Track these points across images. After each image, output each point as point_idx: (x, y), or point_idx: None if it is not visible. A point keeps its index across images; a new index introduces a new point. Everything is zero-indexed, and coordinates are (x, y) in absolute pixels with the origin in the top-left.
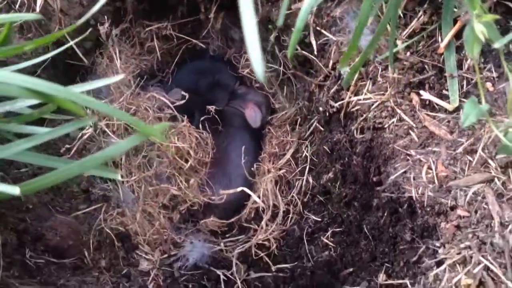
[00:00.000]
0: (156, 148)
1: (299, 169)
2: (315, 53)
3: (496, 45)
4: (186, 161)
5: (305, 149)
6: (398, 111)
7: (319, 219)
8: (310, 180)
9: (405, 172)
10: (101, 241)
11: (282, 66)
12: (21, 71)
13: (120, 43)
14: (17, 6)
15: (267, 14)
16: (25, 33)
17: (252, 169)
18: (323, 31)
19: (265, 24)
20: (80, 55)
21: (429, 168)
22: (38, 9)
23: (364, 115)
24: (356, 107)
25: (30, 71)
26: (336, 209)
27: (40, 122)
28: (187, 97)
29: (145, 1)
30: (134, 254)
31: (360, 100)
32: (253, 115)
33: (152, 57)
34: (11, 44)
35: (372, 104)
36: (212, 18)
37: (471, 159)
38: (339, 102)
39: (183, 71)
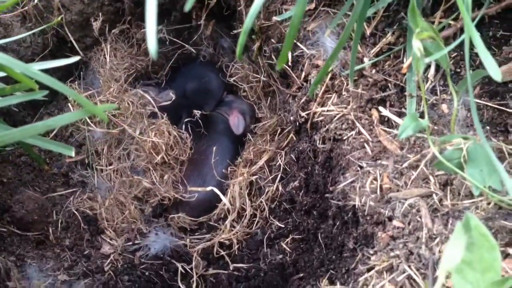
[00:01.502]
0: (135, 142)
1: (271, 176)
2: (290, 64)
3: (426, 60)
4: (162, 157)
5: (280, 158)
6: (358, 124)
7: (283, 226)
8: (280, 188)
9: (353, 181)
10: (69, 222)
11: (266, 77)
12: (18, 58)
13: (117, 42)
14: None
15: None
16: (27, 23)
17: (224, 171)
18: (298, 44)
19: (249, 35)
20: (78, 49)
21: (375, 179)
22: (37, 0)
23: (327, 126)
24: (321, 118)
25: (28, 59)
26: (298, 217)
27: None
28: (173, 98)
29: (142, 4)
30: (99, 237)
31: (324, 111)
32: (236, 122)
33: (148, 58)
34: (12, 32)
35: (335, 116)
36: (202, 25)
37: (414, 173)
38: (307, 112)
39: (175, 75)
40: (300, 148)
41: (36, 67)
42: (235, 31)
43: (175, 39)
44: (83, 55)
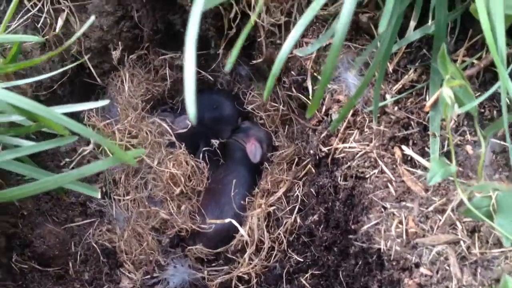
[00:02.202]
0: (153, 171)
1: (289, 207)
2: (311, 97)
3: (458, 110)
4: (180, 187)
5: (297, 189)
6: (380, 163)
7: (301, 260)
8: (298, 220)
9: (377, 223)
10: (88, 255)
11: (284, 106)
12: (38, 84)
13: (135, 67)
14: (39, 24)
15: (270, 56)
16: (47, 50)
17: (243, 202)
18: (319, 77)
19: (269, 64)
20: (95, 75)
21: (400, 222)
22: (58, 29)
23: (349, 163)
24: (342, 154)
25: (47, 86)
26: (318, 252)
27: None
28: (189, 125)
29: (161, 32)
30: (117, 271)
31: (346, 148)
32: (253, 150)
33: (165, 84)
34: (31, 59)
35: (357, 153)
36: (221, 53)
37: (440, 218)
38: (328, 147)
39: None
40: (321, 183)
41: (64, 110)
42: (254, 61)
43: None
44: (101, 82)
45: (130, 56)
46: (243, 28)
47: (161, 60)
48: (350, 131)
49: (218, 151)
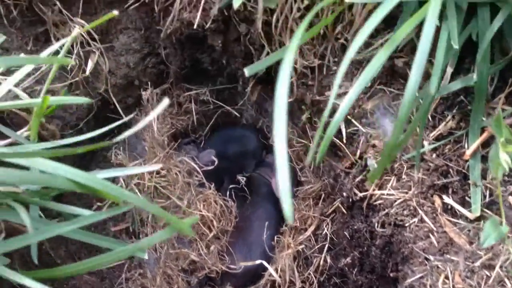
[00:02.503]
0: (182, 212)
1: (318, 246)
2: (344, 140)
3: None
4: (209, 227)
5: (325, 226)
6: (420, 212)
7: None
8: (328, 259)
9: (422, 277)
10: None
11: (311, 143)
12: (64, 124)
13: (158, 101)
14: (68, 67)
15: (301, 96)
16: (73, 90)
17: (269, 239)
18: (353, 120)
19: (299, 104)
20: (121, 111)
21: (446, 277)
22: (88, 71)
23: (386, 210)
24: (379, 201)
25: (73, 124)
26: None
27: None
28: (215, 160)
29: (187, 68)
30: None
31: (383, 194)
32: None
33: (188, 117)
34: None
35: (395, 201)
36: (249, 91)
37: (488, 274)
38: (363, 193)
39: (215, 136)
40: (355, 226)
41: (110, 174)
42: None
43: (217, 101)
44: (125, 117)
45: (155, 90)
46: (275, 68)
47: (186, 97)
48: (387, 177)
49: (245, 187)
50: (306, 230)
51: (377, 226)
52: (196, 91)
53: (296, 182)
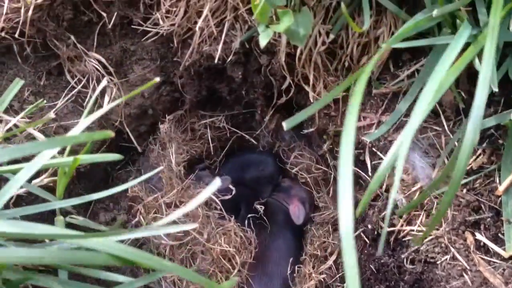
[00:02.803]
0: (202, 244)
1: (339, 274)
2: (369, 173)
3: None
4: (229, 260)
5: None
6: (452, 249)
7: None
8: None
9: None
10: None
11: (330, 169)
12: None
13: (172, 129)
14: (85, 103)
15: (323, 127)
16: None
17: (290, 270)
18: (378, 153)
19: (320, 133)
20: (134, 141)
21: None
22: (105, 106)
23: (416, 246)
24: (408, 237)
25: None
26: None
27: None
28: (232, 189)
29: (203, 97)
30: None
31: (413, 230)
32: (297, 212)
33: (202, 143)
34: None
35: (426, 238)
36: (267, 120)
37: None
38: (391, 229)
39: (231, 161)
40: (382, 261)
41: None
42: (305, 131)
43: (232, 127)
44: (139, 147)
45: (168, 117)
46: (297, 98)
47: (201, 125)
48: (416, 212)
49: (263, 216)
50: (326, 257)
51: (406, 262)
52: (212, 119)
53: (313, 207)
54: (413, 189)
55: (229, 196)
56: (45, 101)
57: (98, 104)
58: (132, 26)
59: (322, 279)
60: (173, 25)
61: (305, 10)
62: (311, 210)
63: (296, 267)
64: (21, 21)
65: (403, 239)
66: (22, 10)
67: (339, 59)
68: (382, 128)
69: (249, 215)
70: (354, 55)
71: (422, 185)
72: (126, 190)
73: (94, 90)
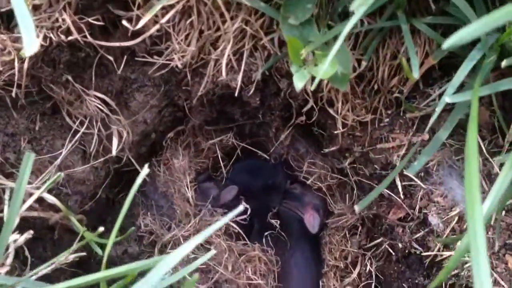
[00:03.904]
0: (229, 272)
1: (362, 284)
2: (401, 196)
3: None
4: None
5: (368, 261)
6: (494, 274)
7: None
8: None
9: None
10: None
11: (346, 177)
12: (83, 198)
13: (176, 147)
14: (85, 142)
15: (347, 146)
16: (87, 158)
17: (313, 285)
18: (410, 175)
19: (342, 152)
20: (137, 166)
21: None
22: (114, 151)
23: (456, 271)
24: (447, 262)
25: (91, 195)
26: None
27: None
28: (244, 204)
29: (212, 118)
30: None
31: (453, 255)
32: (312, 221)
33: (207, 157)
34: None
35: (466, 262)
36: (282, 139)
37: None
38: (428, 253)
39: (236, 169)
40: (416, 281)
41: None
42: (326, 150)
43: (242, 144)
44: (143, 173)
45: (168, 135)
46: (318, 118)
47: (208, 145)
48: (453, 235)
49: (280, 231)
50: (347, 266)
51: (446, 286)
52: (220, 137)
53: (327, 212)
54: (451, 214)
55: (246, 221)
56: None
57: (100, 142)
58: (136, 59)
59: None
60: (183, 56)
61: (342, 46)
62: (325, 216)
63: (320, 281)
64: (16, 73)
65: (441, 263)
66: (16, 64)
67: (367, 81)
68: (422, 159)
69: (266, 233)
70: (384, 77)
71: (460, 210)
72: (135, 220)
73: (99, 130)
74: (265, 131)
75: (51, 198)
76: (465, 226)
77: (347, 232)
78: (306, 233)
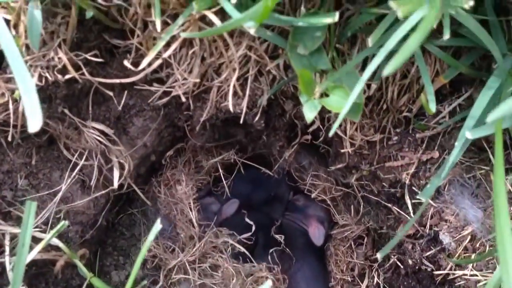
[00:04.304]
0: None
1: None
2: (411, 214)
3: None
4: None
5: (375, 273)
6: None
7: None
8: None
9: None
10: None
11: (353, 191)
12: (84, 227)
13: (175, 165)
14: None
15: (354, 164)
16: (88, 186)
17: None
18: (419, 192)
19: (349, 169)
20: (136, 189)
21: None
22: (116, 184)
23: None
24: (460, 282)
25: (92, 224)
26: None
27: None
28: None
29: (211, 139)
30: None
31: (465, 275)
32: (317, 234)
33: (208, 174)
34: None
35: (478, 281)
36: (286, 156)
37: None
38: (440, 272)
39: (237, 182)
40: None
41: None
42: (333, 167)
43: (245, 161)
44: (142, 196)
45: (168, 153)
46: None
47: (209, 164)
48: (465, 254)
49: (284, 246)
50: (354, 278)
51: None
52: (222, 156)
53: (332, 224)
54: (463, 233)
55: (251, 241)
56: (65, 222)
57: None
58: (135, 87)
59: None
60: (184, 84)
61: (352, 72)
62: (329, 227)
63: None
64: (11, 115)
65: (454, 281)
66: (11, 106)
67: (375, 101)
68: (434, 182)
69: (271, 250)
70: (394, 97)
71: (472, 229)
72: (136, 242)
73: (99, 161)
74: (268, 148)
75: (57, 243)
76: (478, 245)
77: (352, 243)
78: (311, 246)
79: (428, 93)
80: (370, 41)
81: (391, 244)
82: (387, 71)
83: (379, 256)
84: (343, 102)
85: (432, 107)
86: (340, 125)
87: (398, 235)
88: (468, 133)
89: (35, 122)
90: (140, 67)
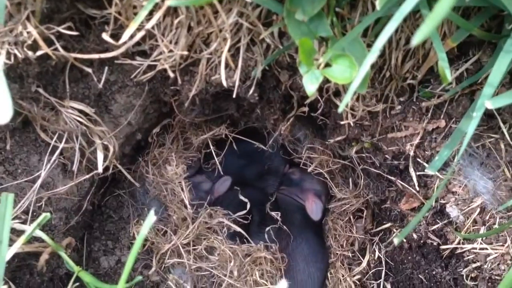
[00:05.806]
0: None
1: (372, 271)
2: (417, 188)
3: None
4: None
5: (375, 246)
6: None
7: None
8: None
9: None
10: None
11: (351, 163)
12: (68, 213)
13: (162, 142)
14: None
15: (354, 136)
16: (69, 170)
17: (322, 276)
18: (424, 163)
19: (349, 141)
20: (124, 172)
21: None
22: (101, 168)
23: (478, 263)
24: (470, 256)
25: (77, 208)
26: None
27: None
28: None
29: (201, 114)
30: None
31: (475, 249)
32: (314, 208)
33: (198, 150)
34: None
35: (489, 255)
36: (282, 130)
37: None
38: (446, 246)
39: (228, 157)
40: (434, 272)
41: None
42: (331, 140)
43: (237, 136)
44: (131, 178)
45: (154, 130)
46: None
47: (199, 141)
48: (475, 227)
49: (281, 224)
50: (354, 253)
51: (467, 279)
52: (213, 132)
53: (329, 197)
54: (472, 205)
55: (247, 220)
56: (47, 215)
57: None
58: (116, 62)
59: (357, 280)
60: (170, 57)
61: (356, 39)
62: (327, 201)
63: (327, 270)
64: None
65: (463, 255)
66: None
67: (378, 68)
68: (443, 153)
69: (267, 228)
70: (398, 64)
71: (482, 201)
72: (125, 225)
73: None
74: (262, 122)
75: (40, 235)
76: (487, 217)
77: (351, 217)
78: (308, 221)
79: (441, 59)
80: (378, 4)
81: (411, 226)
82: (416, 40)
83: (396, 241)
84: (349, 73)
85: (448, 74)
86: (339, 95)
87: (418, 216)
88: (487, 103)
89: (4, 113)
90: (121, 41)
